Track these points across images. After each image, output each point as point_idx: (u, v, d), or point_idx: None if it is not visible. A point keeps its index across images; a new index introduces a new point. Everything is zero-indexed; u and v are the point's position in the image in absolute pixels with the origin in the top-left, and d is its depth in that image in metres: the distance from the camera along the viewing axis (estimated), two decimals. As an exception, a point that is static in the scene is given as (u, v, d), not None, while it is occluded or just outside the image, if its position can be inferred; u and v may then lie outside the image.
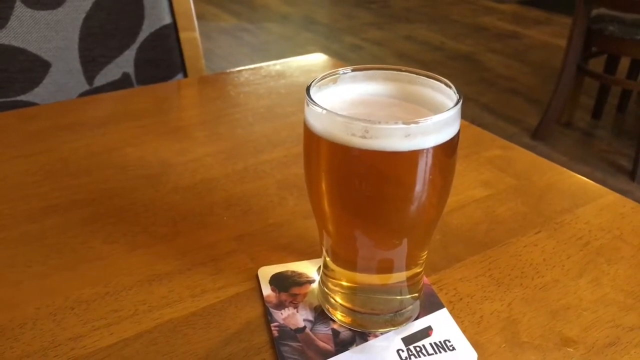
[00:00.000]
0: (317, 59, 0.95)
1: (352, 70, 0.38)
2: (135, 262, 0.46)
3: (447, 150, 0.34)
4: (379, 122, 0.31)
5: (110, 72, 1.01)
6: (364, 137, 0.31)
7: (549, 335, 0.40)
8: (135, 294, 0.43)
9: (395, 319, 0.40)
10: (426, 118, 0.31)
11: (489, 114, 2.78)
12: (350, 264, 0.39)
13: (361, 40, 3.76)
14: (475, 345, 0.39)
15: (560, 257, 0.48)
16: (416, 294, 0.41)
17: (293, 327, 0.40)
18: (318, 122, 0.33)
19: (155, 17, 1.02)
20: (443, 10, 4.44)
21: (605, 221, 0.52)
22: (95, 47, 0.99)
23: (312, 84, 0.35)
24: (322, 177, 0.35)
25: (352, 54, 3.49)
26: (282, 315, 0.41)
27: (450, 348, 0.39)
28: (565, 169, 0.61)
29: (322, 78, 0.36)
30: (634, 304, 0.43)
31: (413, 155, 0.32)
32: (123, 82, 1.02)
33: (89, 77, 1.00)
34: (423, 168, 0.33)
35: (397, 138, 0.31)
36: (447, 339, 0.39)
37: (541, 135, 2.46)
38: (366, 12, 4.39)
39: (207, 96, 0.82)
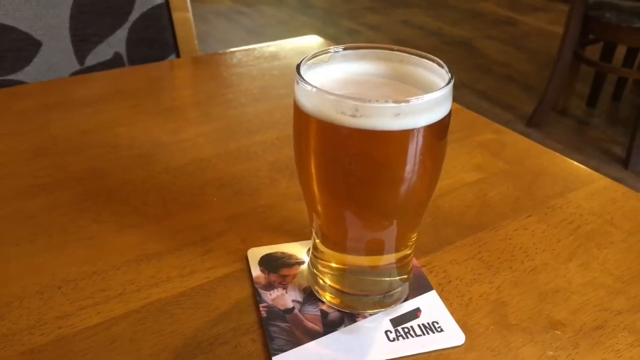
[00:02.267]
0: (311, 41, 0.94)
1: (344, 49, 0.37)
2: (124, 242, 0.46)
3: (438, 131, 0.33)
4: (369, 101, 0.30)
5: (102, 52, 1.00)
6: (354, 115, 0.31)
7: (537, 318, 0.40)
8: (123, 273, 0.42)
9: (384, 301, 0.40)
10: (417, 97, 0.31)
11: (484, 100, 2.77)
12: (339, 246, 0.39)
13: (358, 24, 3.73)
14: (464, 327, 0.39)
15: (550, 241, 0.48)
16: (405, 276, 0.41)
17: (282, 308, 0.40)
18: (308, 100, 0.32)
19: (148, -4, 1.00)
20: (441, -5, 4.40)
21: (597, 206, 0.52)
22: (87, 26, 0.97)
23: (303, 62, 0.35)
24: (312, 157, 0.34)
25: (349, 39, 3.47)
26: (271, 296, 0.41)
27: (439, 329, 0.39)
28: (557, 154, 0.61)
29: (314, 56, 0.36)
30: (623, 288, 0.43)
31: (403, 135, 0.32)
32: (115, 62, 1.01)
33: (80, 57, 0.99)
34: (413, 148, 0.32)
35: (388, 117, 0.31)
36: (435, 320, 0.39)
37: (536, 122, 2.46)
38: (363, -4, 4.35)
39: (200, 76, 0.81)
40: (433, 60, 0.36)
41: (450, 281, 0.43)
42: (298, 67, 0.34)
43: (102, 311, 0.39)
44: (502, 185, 0.55)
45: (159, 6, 1.01)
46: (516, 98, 2.76)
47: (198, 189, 0.53)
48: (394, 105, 0.30)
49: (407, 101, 0.31)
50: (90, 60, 0.99)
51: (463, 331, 0.39)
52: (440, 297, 0.42)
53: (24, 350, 0.36)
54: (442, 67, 0.35)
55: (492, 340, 0.38)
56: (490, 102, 2.76)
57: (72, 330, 0.37)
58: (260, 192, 0.52)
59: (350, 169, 0.33)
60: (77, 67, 0.98)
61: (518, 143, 0.64)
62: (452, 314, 0.40)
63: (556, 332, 0.39)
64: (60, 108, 0.67)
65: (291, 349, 0.36)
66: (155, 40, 1.03)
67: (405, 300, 0.41)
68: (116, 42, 1.01)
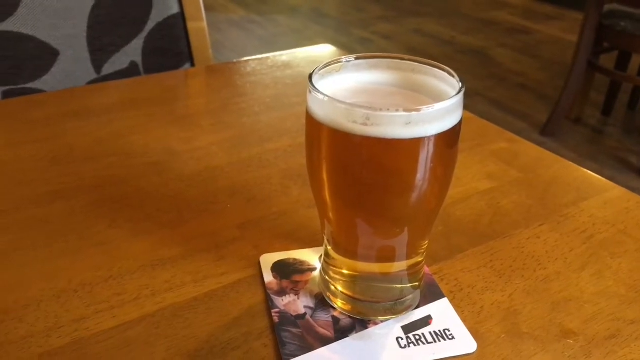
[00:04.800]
0: (324, 50, 0.94)
1: (356, 59, 0.38)
2: (139, 248, 0.46)
3: (448, 139, 0.33)
4: (380, 110, 0.31)
5: (118, 61, 1.02)
6: (365, 124, 0.31)
7: (549, 326, 0.40)
8: (138, 278, 0.43)
9: (395, 308, 0.40)
10: (427, 106, 0.31)
11: (497, 109, 2.76)
12: (350, 253, 0.39)
13: (370, 33, 3.75)
14: (475, 335, 0.39)
15: (563, 250, 0.48)
16: (417, 283, 0.41)
17: (294, 314, 0.40)
18: (320, 109, 0.33)
19: (163, 6, 1.02)
20: (453, 4, 4.41)
21: (610, 215, 0.52)
22: (104, 36, 0.99)
23: (315, 71, 0.35)
24: (323, 165, 0.35)
25: (361, 47, 3.48)
26: (283, 302, 0.41)
27: (450, 337, 0.39)
28: (571, 162, 0.61)
29: (326, 66, 0.36)
30: (637, 298, 0.43)
31: (414, 143, 0.32)
32: (131, 71, 1.02)
33: (97, 66, 1.00)
34: (424, 156, 0.33)
35: (398, 126, 0.31)
36: (447, 328, 0.39)
37: (550, 131, 2.45)
38: (376, 5, 4.37)
39: (214, 85, 0.82)
40: (444, 70, 0.36)
41: (462, 289, 0.43)
42: (310, 76, 0.35)
43: (117, 315, 0.40)
44: (514, 194, 0.55)
45: (174, 16, 1.03)
46: (530, 107, 2.75)
47: (211, 196, 0.53)
48: (405, 114, 0.31)
49: (418, 110, 0.31)
50: (107, 69, 1.01)
51: (474, 339, 0.39)
52: (452, 305, 0.42)
53: (42, 352, 0.37)
54: (453, 76, 0.35)
55: (504, 349, 0.38)
56: (504, 111, 2.75)
57: (88, 333, 0.38)
58: (272, 200, 0.53)
59: (361, 176, 0.33)
60: (94, 75, 1.00)
61: (531, 152, 0.63)
62: (463, 321, 0.40)
63: (568, 341, 0.39)
64: (77, 116, 0.68)
65: (303, 354, 0.37)
66: (171, 50, 1.04)
67: (417, 307, 0.41)
68: (132, 52, 1.02)
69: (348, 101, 0.32)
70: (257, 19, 4.00)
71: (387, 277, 0.40)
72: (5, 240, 0.47)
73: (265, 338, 0.38)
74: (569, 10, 4.21)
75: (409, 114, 0.31)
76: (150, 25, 1.02)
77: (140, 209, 0.51)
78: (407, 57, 0.38)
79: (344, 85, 0.37)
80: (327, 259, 0.41)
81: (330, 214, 0.38)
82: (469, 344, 0.38)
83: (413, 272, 0.40)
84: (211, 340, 0.38)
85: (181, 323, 0.39)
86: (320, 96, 0.32)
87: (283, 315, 0.40)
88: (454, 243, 0.48)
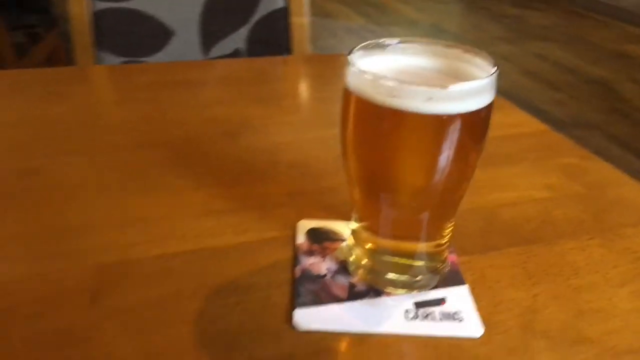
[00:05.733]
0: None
1: (398, 42, 0.40)
2: (198, 198, 0.52)
3: (470, 122, 0.35)
4: (404, 83, 0.33)
5: (225, 46, 1.10)
6: (390, 95, 0.33)
7: (567, 330, 0.39)
8: (188, 222, 0.48)
9: (411, 284, 0.41)
10: (450, 85, 0.33)
11: (616, 145, 2.57)
12: (372, 227, 0.41)
13: (487, 53, 3.65)
14: (486, 323, 0.39)
15: (607, 266, 0.46)
16: (437, 265, 0.42)
17: (315, 273, 0.43)
18: (351, 80, 0.36)
19: (270, 0, 1.09)
20: (583, 32, 4.17)
21: (670, 240, 0.49)
22: (214, 22, 1.09)
23: (358, 47, 0.38)
24: (350, 135, 0.37)
25: (476, 67, 3.40)
26: (308, 262, 0.44)
27: (459, 319, 0.39)
28: (643, 185, 0.58)
29: (369, 45, 0.39)
30: (673, 322, 0.40)
31: (434, 120, 0.34)
32: (234, 57, 1.11)
33: (205, 49, 1.10)
34: (443, 134, 0.34)
35: (420, 100, 0.33)
36: (458, 311, 0.40)
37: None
38: (498, 26, 4.25)
39: (304, 73, 0.87)
40: (485, 58, 0.37)
41: (485, 282, 0.44)
42: (351, 51, 0.37)
43: (162, 247, 0.45)
44: (570, 206, 0.54)
45: (279, 10, 1.10)
46: (653, 147, 2.53)
47: (271, 166, 0.58)
48: (427, 89, 0.33)
49: (440, 87, 0.33)
50: (213, 53, 1.10)
51: (484, 326, 0.39)
52: (471, 293, 0.42)
53: (95, 264, 0.43)
54: (491, 64, 0.36)
55: (511, 340, 0.38)
56: (623, 148, 2.55)
57: (137, 256, 0.44)
58: (324, 176, 0.56)
59: (382, 148, 0.35)
60: (201, 57, 1.09)
61: (602, 170, 0.61)
62: (478, 310, 0.41)
63: (581, 347, 0.38)
64: (174, 86, 0.76)
65: (314, 306, 0.40)
66: (272, 41, 1.11)
67: (434, 288, 0.42)
68: (238, 39, 1.11)
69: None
70: (375, 28, 4.06)
71: (405, 254, 0.41)
72: (89, 175, 0.55)
73: (284, 288, 0.41)
74: None
75: (430, 90, 0.33)
76: (257, 16, 1.10)
77: (206, 167, 0.57)
78: (452, 44, 0.39)
79: (388, 64, 0.39)
80: (352, 231, 0.43)
81: (355, 187, 0.40)
82: (475, 329, 0.39)
83: (433, 253, 0.41)
84: (236, 281, 0.42)
85: (214, 263, 0.44)
86: (353, 68, 0.35)
87: (305, 272, 0.43)
88: (491, 240, 0.48)
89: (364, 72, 0.34)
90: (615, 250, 0.48)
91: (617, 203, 0.55)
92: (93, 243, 0.45)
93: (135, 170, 0.56)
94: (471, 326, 0.39)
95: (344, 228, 0.48)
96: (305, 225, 0.48)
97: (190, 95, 0.74)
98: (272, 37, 1.11)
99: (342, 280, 0.42)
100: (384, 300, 0.41)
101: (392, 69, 0.39)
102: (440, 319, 0.39)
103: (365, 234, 0.42)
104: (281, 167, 0.58)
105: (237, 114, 0.69)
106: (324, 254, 0.45)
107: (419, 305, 0.40)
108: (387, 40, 0.40)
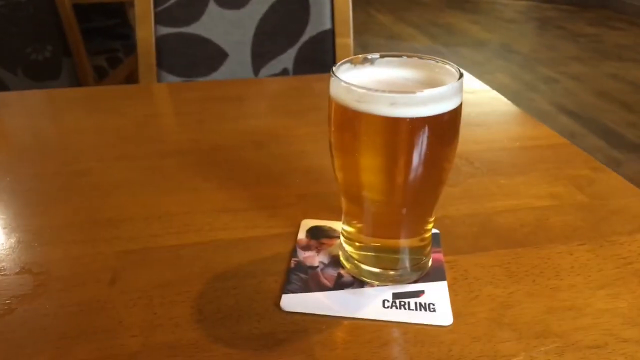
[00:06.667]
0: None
1: (380, 57, 0.44)
2: (217, 197, 0.58)
3: (433, 125, 0.39)
4: (371, 90, 0.38)
5: (273, 67, 1.18)
6: (359, 101, 0.38)
7: (534, 324, 0.42)
8: (206, 217, 0.55)
9: (393, 277, 0.45)
10: (410, 92, 0.37)
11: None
12: (357, 226, 0.45)
13: (558, 73, 3.56)
14: (457, 314, 0.42)
15: (591, 269, 0.48)
16: (418, 261, 0.45)
17: (308, 264, 0.48)
18: (332, 87, 0.41)
19: (318, 22, 1.16)
20: (664, 51, 3.96)
21: (663, 249, 0.50)
22: (265, 44, 1.17)
23: (343, 62, 0.43)
24: (332, 137, 0.42)
25: (544, 86, 3.33)
26: (304, 255, 0.49)
27: (431, 310, 0.43)
28: (651, 197, 0.58)
29: (352, 60, 0.44)
30: (645, 323, 0.42)
31: (397, 122, 0.38)
32: (282, 76, 1.18)
33: (256, 69, 1.18)
34: (407, 136, 0.38)
35: (384, 105, 0.37)
36: (433, 302, 0.43)
37: None
38: (571, 45, 4.13)
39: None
40: (454, 68, 0.41)
41: (466, 278, 0.47)
42: (337, 64, 0.43)
43: (180, 237, 0.51)
44: (570, 214, 0.56)
45: (326, 31, 1.17)
46: None
47: (287, 171, 0.64)
48: (389, 95, 0.37)
49: (401, 92, 0.37)
50: (263, 73, 1.18)
51: (454, 317, 0.42)
52: (450, 289, 0.45)
53: (119, 251, 0.50)
54: (462, 75, 0.40)
55: (477, 330, 0.41)
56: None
57: (154, 245, 0.50)
58: (334, 181, 0.61)
59: (354, 148, 0.40)
60: (252, 77, 1.18)
61: (611, 181, 0.62)
62: (452, 303, 0.44)
63: (546, 339, 0.40)
64: (216, 100, 0.84)
65: (300, 293, 0.44)
66: (318, 61, 1.18)
67: (415, 282, 0.46)
68: (286, 59, 1.19)
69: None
70: (442, 49, 4.06)
71: (387, 250, 0.45)
72: (129, 177, 0.63)
73: (277, 276, 0.47)
74: None
75: (393, 95, 0.37)
76: (305, 38, 1.17)
77: (230, 171, 0.64)
78: (428, 56, 0.43)
79: (370, 75, 0.44)
80: (343, 228, 0.48)
81: (340, 187, 0.45)
82: (445, 318, 0.42)
83: (413, 250, 0.45)
84: (237, 268, 0.47)
85: (222, 253, 0.50)
86: (333, 77, 0.40)
87: (299, 263, 0.48)
88: (481, 242, 0.51)
89: (341, 80, 0.39)
90: (603, 256, 0.49)
91: (618, 213, 0.56)
92: (121, 233, 0.52)
93: (167, 173, 0.63)
94: (441, 316, 0.42)
95: (341, 227, 0.52)
96: (308, 223, 0.53)
97: (229, 108, 0.82)
98: (319, 57, 1.18)
99: (331, 271, 0.47)
100: (366, 290, 0.45)
101: (373, 79, 0.44)
102: (415, 309, 0.43)
103: (351, 232, 0.46)
104: (297, 173, 0.63)
105: (266, 125, 0.76)
106: (319, 248, 0.50)
107: (396, 295, 0.44)
108: (370, 55, 0.44)
